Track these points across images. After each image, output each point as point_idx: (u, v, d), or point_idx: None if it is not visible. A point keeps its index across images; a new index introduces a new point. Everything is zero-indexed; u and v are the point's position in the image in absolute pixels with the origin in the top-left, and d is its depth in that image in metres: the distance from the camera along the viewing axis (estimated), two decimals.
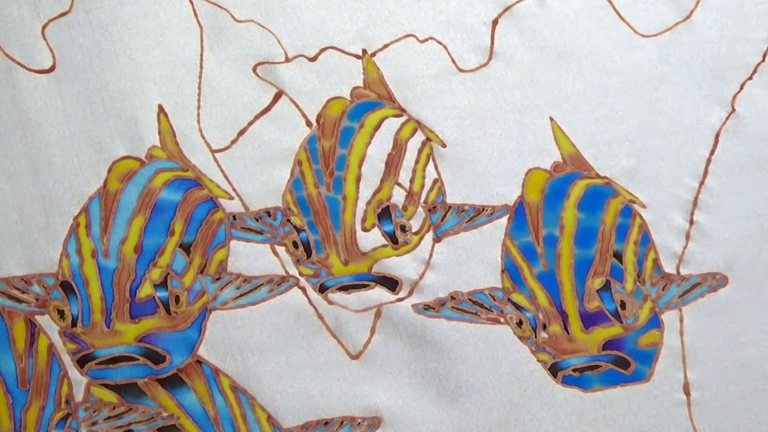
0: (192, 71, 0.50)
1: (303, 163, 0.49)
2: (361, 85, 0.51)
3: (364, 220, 0.49)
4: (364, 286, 0.48)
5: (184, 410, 0.45)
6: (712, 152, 0.49)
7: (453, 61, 0.52)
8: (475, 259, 0.47)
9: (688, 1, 0.53)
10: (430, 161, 0.50)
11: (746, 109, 0.49)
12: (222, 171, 0.49)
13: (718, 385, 0.47)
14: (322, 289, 0.47)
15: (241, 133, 0.50)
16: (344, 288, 0.48)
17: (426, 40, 0.52)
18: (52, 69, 0.50)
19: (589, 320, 0.48)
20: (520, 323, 0.48)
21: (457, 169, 0.50)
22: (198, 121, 0.50)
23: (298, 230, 0.48)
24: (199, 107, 0.50)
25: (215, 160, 0.49)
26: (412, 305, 0.47)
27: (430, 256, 0.48)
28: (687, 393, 0.47)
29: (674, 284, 0.49)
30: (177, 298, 0.47)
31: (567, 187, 0.50)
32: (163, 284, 0.47)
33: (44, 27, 0.50)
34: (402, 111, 0.51)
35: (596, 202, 0.50)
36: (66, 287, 0.47)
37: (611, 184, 0.50)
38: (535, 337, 0.48)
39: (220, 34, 0.51)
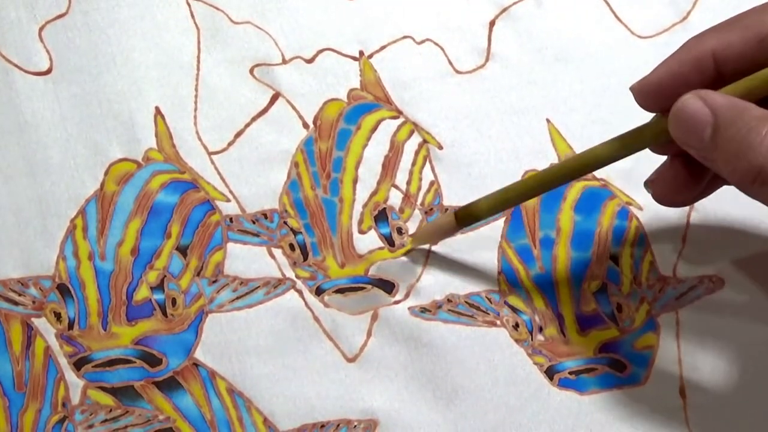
0: (189, 73, 0.50)
1: (300, 165, 0.49)
2: (358, 87, 0.51)
3: (360, 222, 0.49)
4: (361, 289, 0.48)
5: (180, 413, 0.45)
6: None
7: (450, 62, 0.52)
8: (471, 262, 0.47)
9: (685, 2, 0.53)
10: (427, 163, 0.50)
11: None
12: (219, 173, 0.49)
13: (714, 389, 0.47)
14: (319, 292, 0.47)
15: (237, 135, 0.50)
16: (341, 291, 0.48)
17: (423, 41, 0.52)
18: (48, 71, 0.50)
19: (586, 323, 0.48)
20: (516, 326, 0.48)
21: (453, 171, 0.50)
22: (195, 123, 0.50)
23: (295, 233, 0.48)
24: (195, 109, 0.50)
25: (212, 162, 0.49)
26: (409, 308, 0.47)
27: (427, 258, 0.48)
28: (683, 396, 0.47)
29: (670, 287, 0.49)
30: (174, 301, 0.47)
31: (563, 190, 0.50)
32: (159, 287, 0.47)
33: (41, 29, 0.50)
34: (399, 113, 0.51)
35: (593, 205, 0.50)
36: (63, 290, 0.46)
37: (608, 186, 0.50)
38: (532, 339, 0.48)
39: (216, 36, 0.51)
